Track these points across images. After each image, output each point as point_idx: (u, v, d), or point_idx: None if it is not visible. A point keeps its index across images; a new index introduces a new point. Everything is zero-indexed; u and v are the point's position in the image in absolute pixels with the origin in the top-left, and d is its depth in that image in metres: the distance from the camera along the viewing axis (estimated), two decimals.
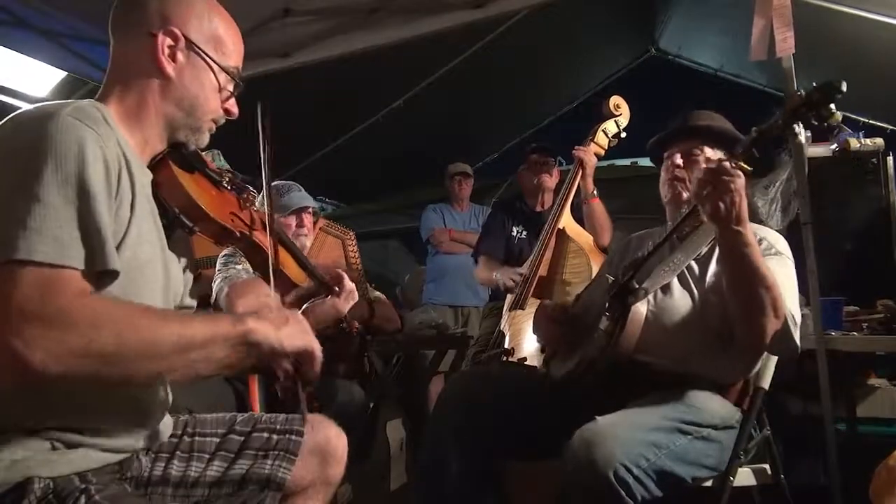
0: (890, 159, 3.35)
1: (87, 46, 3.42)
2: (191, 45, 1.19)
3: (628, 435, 1.49)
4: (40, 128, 0.99)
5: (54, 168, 0.96)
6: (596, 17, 4.86)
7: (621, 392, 1.68)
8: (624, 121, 3.13)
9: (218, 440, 1.33)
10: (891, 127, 4.73)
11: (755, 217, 3.26)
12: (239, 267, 2.47)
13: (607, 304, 1.71)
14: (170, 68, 1.17)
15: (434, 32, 3.33)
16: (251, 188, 1.44)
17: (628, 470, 1.42)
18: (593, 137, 3.09)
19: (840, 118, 1.41)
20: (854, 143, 3.41)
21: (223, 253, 2.59)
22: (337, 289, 1.84)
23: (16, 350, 0.87)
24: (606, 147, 3.12)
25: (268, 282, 1.43)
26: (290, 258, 1.51)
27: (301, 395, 1.22)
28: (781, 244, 1.80)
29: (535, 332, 2.08)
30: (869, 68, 4.20)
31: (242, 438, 1.34)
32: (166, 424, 1.28)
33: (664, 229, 1.85)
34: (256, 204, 1.44)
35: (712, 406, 1.68)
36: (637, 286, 1.69)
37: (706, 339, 1.72)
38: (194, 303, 1.36)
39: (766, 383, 1.80)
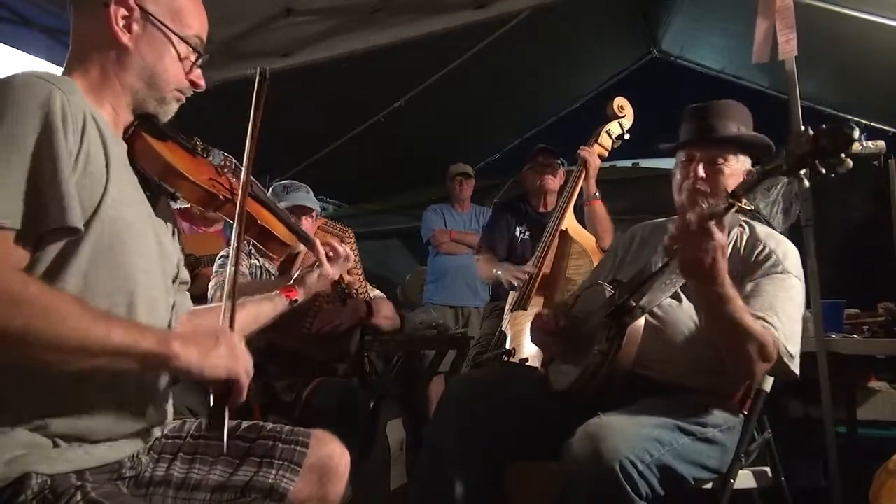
0: (892, 162, 3.35)
1: None
2: (146, 16, 1.19)
3: (632, 430, 1.49)
4: (10, 85, 0.99)
5: (11, 122, 0.96)
6: (598, 18, 4.85)
7: (623, 400, 1.67)
8: (628, 122, 3.12)
9: (222, 445, 1.32)
10: (893, 129, 4.73)
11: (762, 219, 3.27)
12: None
13: (604, 321, 1.68)
14: (125, 38, 1.17)
15: (436, 32, 3.32)
16: (227, 154, 1.42)
17: (633, 464, 1.41)
18: (597, 138, 3.08)
19: (850, 165, 1.27)
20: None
21: (220, 254, 2.60)
22: (331, 254, 1.79)
23: None
24: (610, 148, 3.12)
25: (259, 244, 1.46)
26: (274, 219, 1.50)
27: (225, 419, 1.15)
28: (791, 260, 1.72)
29: (532, 342, 2.06)
30: (871, 71, 4.20)
31: (247, 445, 1.33)
32: (167, 423, 1.28)
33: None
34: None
35: (715, 408, 1.68)
36: (634, 304, 1.65)
37: (708, 354, 1.67)
38: (188, 277, 1.36)
39: (767, 386, 1.80)
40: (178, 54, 1.22)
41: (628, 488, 1.40)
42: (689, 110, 1.90)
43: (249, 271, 2.55)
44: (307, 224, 2.61)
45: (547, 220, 3.11)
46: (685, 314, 1.74)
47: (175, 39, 1.21)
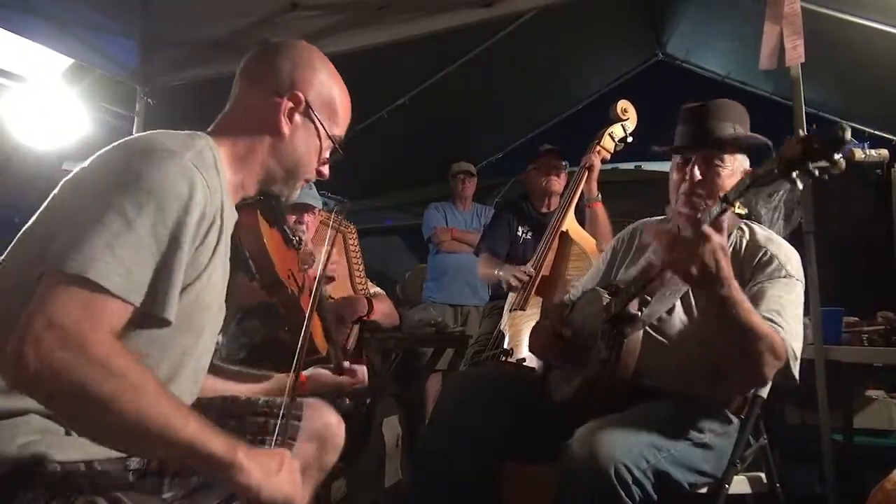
0: (895, 170, 3.35)
1: (95, 34, 3.42)
2: (308, 111, 1.24)
3: (630, 435, 1.49)
4: (160, 163, 1.03)
5: (157, 207, 0.99)
6: (604, 20, 4.84)
7: (621, 405, 1.66)
8: (631, 125, 3.12)
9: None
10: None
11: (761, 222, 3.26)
12: None
13: (603, 330, 1.66)
14: (286, 129, 1.23)
15: (441, 30, 3.32)
16: (314, 256, 1.45)
17: (629, 470, 1.41)
18: (600, 141, 3.08)
19: (843, 166, 1.22)
20: (859, 154, 3.40)
21: None
22: (349, 377, 1.75)
23: (24, 350, 0.88)
24: (612, 151, 3.12)
25: (294, 345, 1.44)
26: (319, 328, 1.53)
27: None
28: (793, 263, 1.71)
29: (531, 351, 2.04)
30: (875, 79, 4.19)
31: (241, 423, 1.35)
32: None
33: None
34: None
35: (712, 413, 1.68)
36: (634, 313, 1.62)
37: (706, 364, 1.67)
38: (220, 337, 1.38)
39: (764, 392, 1.80)
40: (321, 148, 1.28)
41: (622, 493, 1.40)
42: (685, 111, 1.86)
43: None
44: (309, 220, 2.52)
45: (549, 221, 3.11)
46: (678, 325, 1.72)
47: (324, 136, 1.27)
